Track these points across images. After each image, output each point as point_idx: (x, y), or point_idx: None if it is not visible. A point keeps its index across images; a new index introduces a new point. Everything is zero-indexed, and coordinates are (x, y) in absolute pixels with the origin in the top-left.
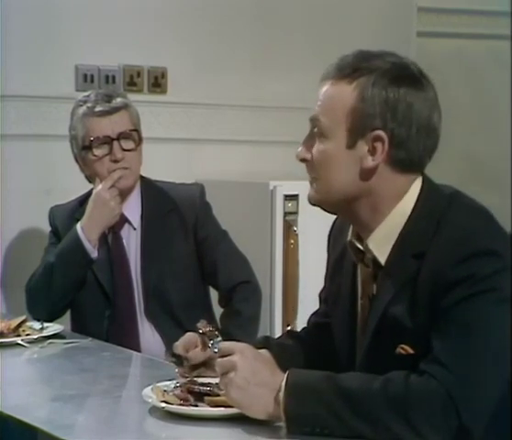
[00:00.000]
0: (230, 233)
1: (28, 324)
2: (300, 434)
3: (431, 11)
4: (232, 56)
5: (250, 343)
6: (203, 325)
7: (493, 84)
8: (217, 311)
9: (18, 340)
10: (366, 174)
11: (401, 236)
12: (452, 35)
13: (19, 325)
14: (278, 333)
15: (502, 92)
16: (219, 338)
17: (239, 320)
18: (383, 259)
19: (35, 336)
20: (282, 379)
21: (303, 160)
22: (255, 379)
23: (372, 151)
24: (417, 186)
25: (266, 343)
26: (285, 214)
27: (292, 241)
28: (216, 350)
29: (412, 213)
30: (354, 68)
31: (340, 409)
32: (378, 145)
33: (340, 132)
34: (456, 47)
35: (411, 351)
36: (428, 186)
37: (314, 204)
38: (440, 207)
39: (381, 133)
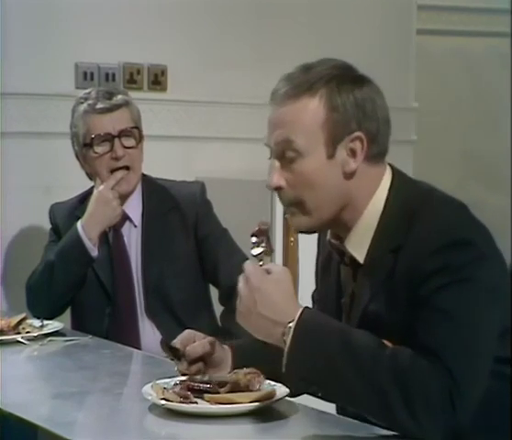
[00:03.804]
0: (231, 231)
1: (29, 321)
2: (295, 379)
3: (431, 9)
4: (233, 53)
5: (250, 341)
6: (262, 223)
7: (493, 82)
8: (218, 309)
9: (18, 338)
10: (348, 177)
11: (377, 233)
12: (452, 32)
13: (19, 323)
14: None
15: (502, 89)
16: (269, 258)
17: None
18: (361, 258)
19: (35, 334)
20: (287, 315)
21: (278, 188)
22: (256, 309)
23: (352, 154)
24: (386, 181)
25: (264, 343)
26: (285, 212)
27: (292, 239)
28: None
29: (385, 208)
30: (309, 82)
31: (341, 358)
32: (357, 146)
33: (319, 146)
34: (456, 44)
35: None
36: (398, 180)
37: (304, 232)
38: (414, 201)
39: (359, 134)
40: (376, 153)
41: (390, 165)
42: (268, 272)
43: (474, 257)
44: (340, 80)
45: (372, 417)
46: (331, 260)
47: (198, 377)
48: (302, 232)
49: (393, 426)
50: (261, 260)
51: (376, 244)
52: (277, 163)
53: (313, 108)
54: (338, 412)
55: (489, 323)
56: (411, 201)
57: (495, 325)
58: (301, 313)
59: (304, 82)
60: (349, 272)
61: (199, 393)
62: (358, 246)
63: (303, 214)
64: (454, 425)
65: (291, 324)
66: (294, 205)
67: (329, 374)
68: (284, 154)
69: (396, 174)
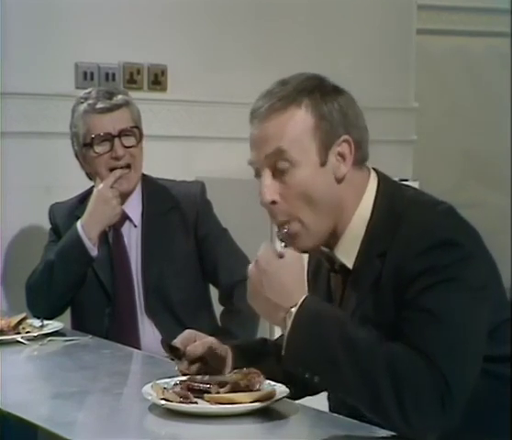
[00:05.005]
0: (231, 231)
1: (28, 321)
2: (293, 363)
3: (431, 9)
4: (233, 53)
5: (250, 341)
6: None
7: (493, 82)
8: (218, 309)
9: (18, 338)
10: (339, 182)
11: (365, 239)
12: (452, 32)
13: (19, 323)
14: (278, 331)
15: (502, 89)
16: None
17: (240, 318)
18: (350, 264)
19: (35, 334)
20: (291, 300)
21: (272, 203)
22: (262, 291)
23: (341, 158)
24: (373, 185)
25: (264, 343)
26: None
27: None
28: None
29: (372, 213)
30: (293, 94)
31: (339, 350)
32: (345, 149)
33: (311, 154)
34: (456, 44)
35: None
36: (384, 184)
37: (308, 251)
38: (400, 204)
39: (346, 137)
40: (361, 158)
41: (375, 169)
42: (281, 256)
43: (460, 257)
44: (323, 89)
45: (363, 409)
46: (321, 268)
47: (198, 377)
48: (306, 252)
49: (381, 419)
50: (283, 242)
51: (364, 249)
52: (269, 177)
53: (300, 119)
54: (330, 410)
55: (477, 322)
56: (398, 204)
57: (483, 324)
58: (304, 300)
59: (287, 94)
60: (338, 279)
61: (199, 393)
62: (347, 252)
63: (302, 232)
64: (443, 425)
65: (293, 309)
66: (290, 222)
67: (325, 362)
68: (276, 166)
69: (382, 178)
